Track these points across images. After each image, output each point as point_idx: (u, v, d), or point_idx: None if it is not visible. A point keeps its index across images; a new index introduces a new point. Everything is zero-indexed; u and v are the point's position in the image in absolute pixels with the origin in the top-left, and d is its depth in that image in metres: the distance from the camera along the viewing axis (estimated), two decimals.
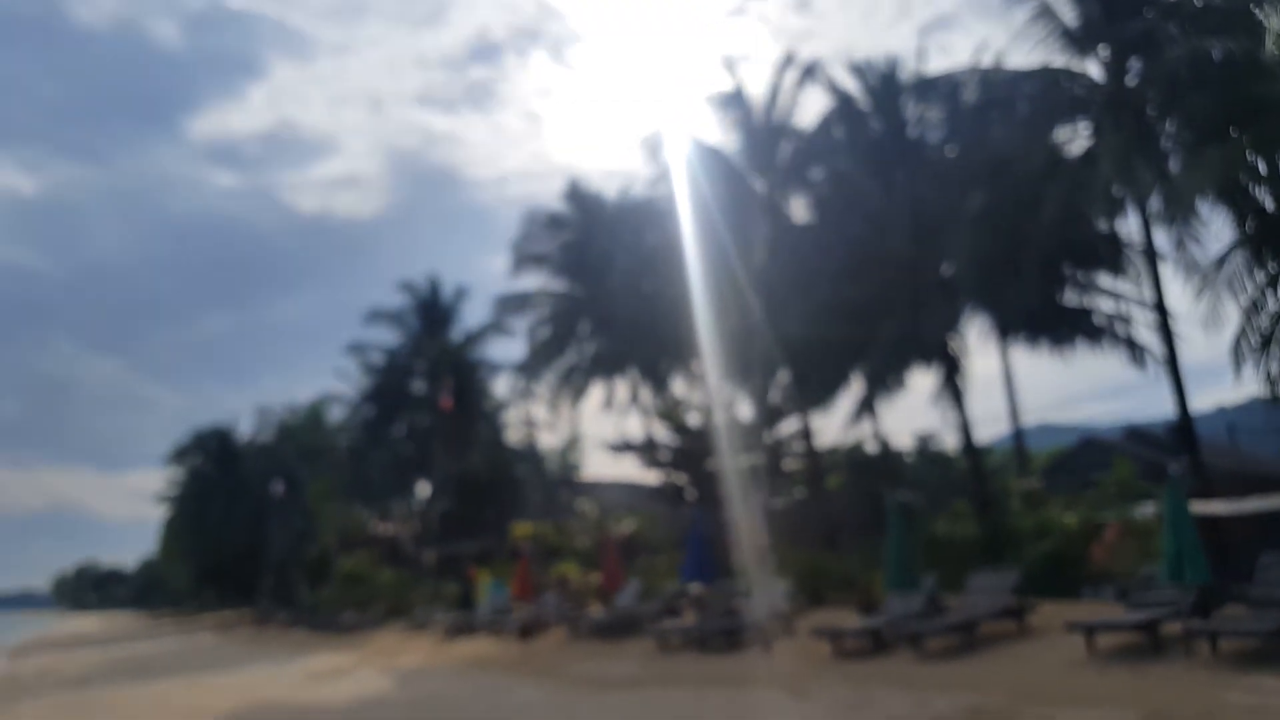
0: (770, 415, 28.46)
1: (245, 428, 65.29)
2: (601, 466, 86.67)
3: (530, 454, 41.15)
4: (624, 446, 32.73)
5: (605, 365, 35.71)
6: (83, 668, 30.44)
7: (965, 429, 22.23)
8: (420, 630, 28.72)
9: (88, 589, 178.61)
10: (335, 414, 54.11)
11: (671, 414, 31.13)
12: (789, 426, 29.27)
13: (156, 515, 75.78)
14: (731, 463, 26.94)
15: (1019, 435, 32.54)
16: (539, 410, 37.94)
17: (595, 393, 36.61)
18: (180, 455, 64.09)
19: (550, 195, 73.66)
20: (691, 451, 28.21)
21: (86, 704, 19.32)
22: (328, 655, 26.38)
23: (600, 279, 33.75)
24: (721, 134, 29.17)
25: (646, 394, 34.24)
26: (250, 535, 55.79)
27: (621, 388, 35.95)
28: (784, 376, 26.68)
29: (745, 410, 29.36)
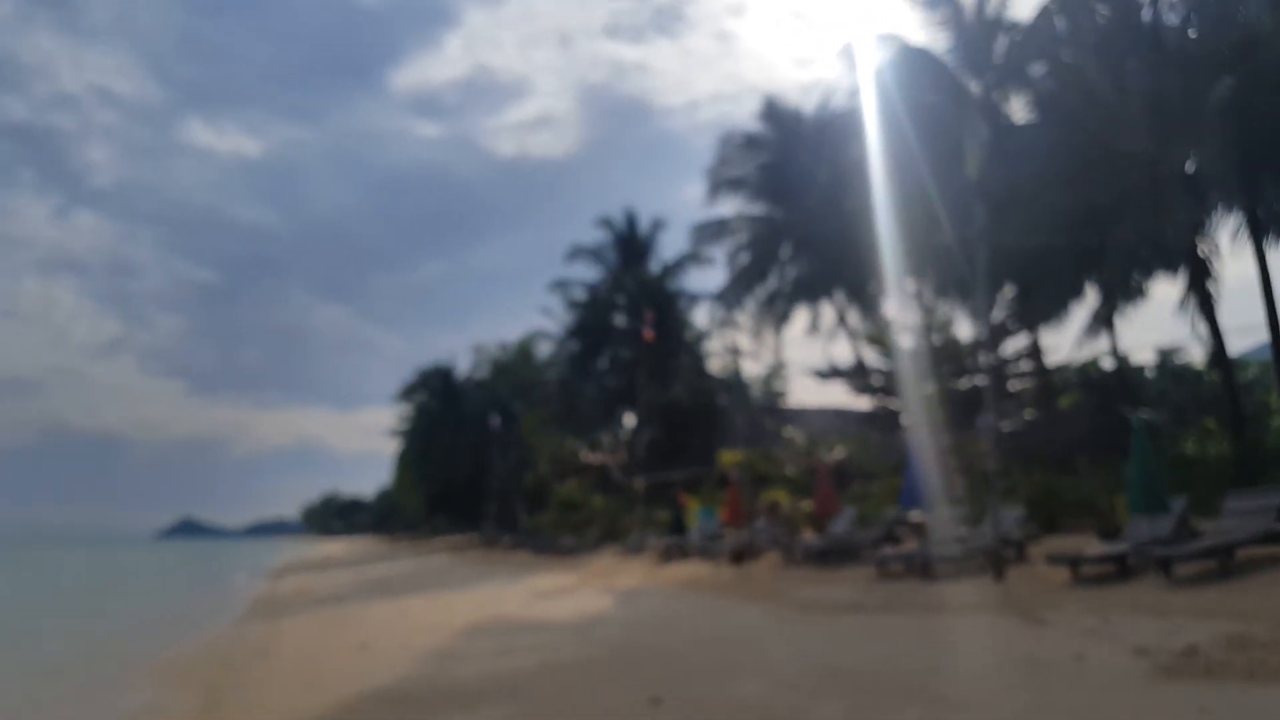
0: (994, 334, 27.10)
1: (463, 366, 69.66)
2: (807, 393, 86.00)
3: (733, 382, 41.37)
4: (831, 372, 32.33)
5: (809, 289, 35.18)
6: (334, 586, 33.92)
7: (1217, 340, 20.36)
8: (634, 554, 29.94)
9: (332, 516, 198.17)
10: (543, 350, 56.67)
11: (883, 337, 30.32)
12: (1015, 345, 27.84)
13: (389, 448, 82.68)
14: (951, 385, 26.00)
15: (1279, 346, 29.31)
16: (741, 338, 38.00)
17: (799, 318, 36.21)
18: (408, 393, 69.41)
19: (744, 116, 72.45)
20: (906, 375, 27.40)
21: (341, 618, 21.56)
22: (550, 576, 28.07)
23: (801, 199, 33.08)
24: (929, 34, 27.53)
25: (854, 317, 33.50)
26: (473, 465, 59.80)
27: (827, 312, 35.35)
28: (1008, 291, 25.30)
29: (964, 330, 28.16)
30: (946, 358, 26.83)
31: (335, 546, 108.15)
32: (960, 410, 25.32)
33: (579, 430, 52.84)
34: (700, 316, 48.32)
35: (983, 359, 26.57)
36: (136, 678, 14.79)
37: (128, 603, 35.92)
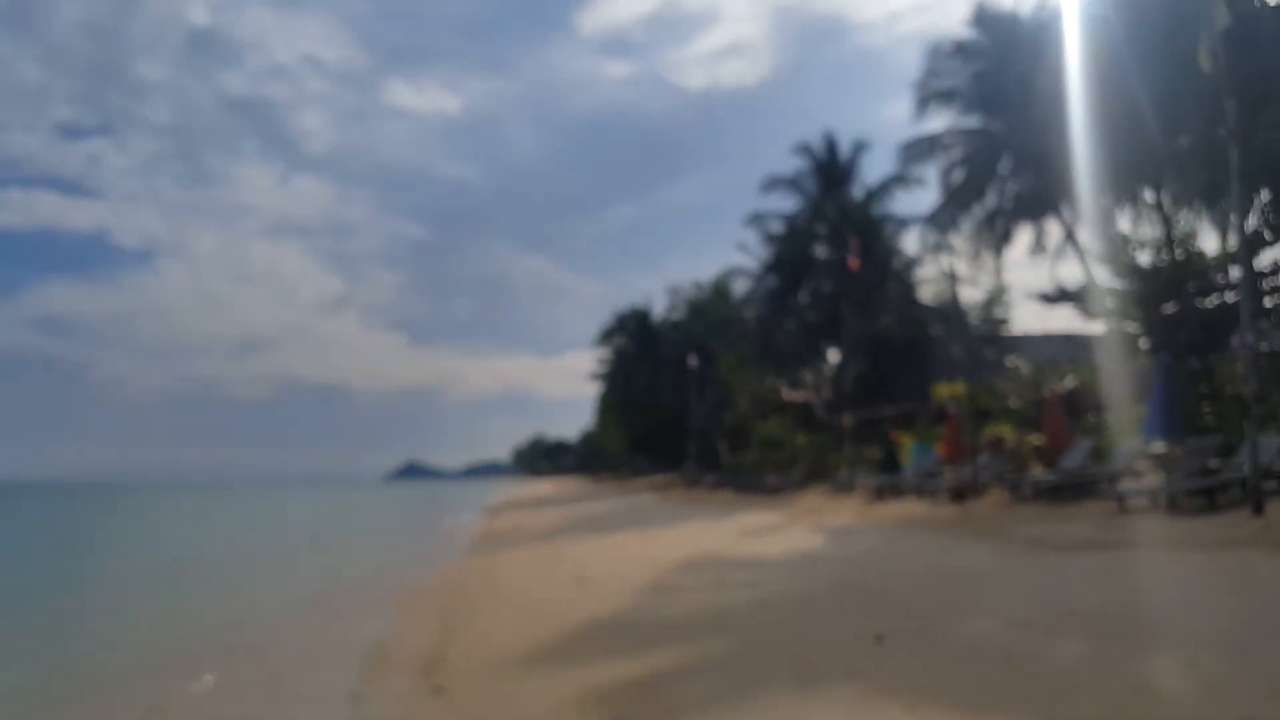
0: (1248, 244, 24.39)
1: (659, 308, 70.57)
2: (1032, 319, 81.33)
3: (949, 311, 39.57)
4: (1059, 295, 30.21)
5: (1032, 206, 32.97)
6: (547, 523, 35.60)
7: None
8: (843, 493, 29.52)
9: (540, 458, 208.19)
10: (739, 287, 56.25)
11: (1117, 254, 27.97)
12: (1272, 255, 24.95)
13: (590, 392, 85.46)
14: (1197, 304, 23.72)
15: None
16: (957, 263, 36.14)
17: (1021, 238, 34.04)
18: (606, 337, 71.24)
19: (952, 24, 68.16)
20: (1145, 295, 25.21)
21: (556, 553, 22.57)
22: (757, 514, 28.18)
23: (1021, 109, 30.81)
24: None
25: (1084, 234, 31.11)
26: (673, 405, 60.77)
27: (1053, 229, 33.04)
28: (1264, 196, 22.68)
29: (1209, 242, 25.53)
30: (1191, 274, 24.41)
31: (544, 486, 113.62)
32: (1207, 331, 23.06)
33: (779, 367, 52.40)
34: (909, 242, 46.25)
35: (1235, 273, 24.03)
36: (377, 607, 16.08)
37: (365, 538, 39.23)
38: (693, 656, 9.23)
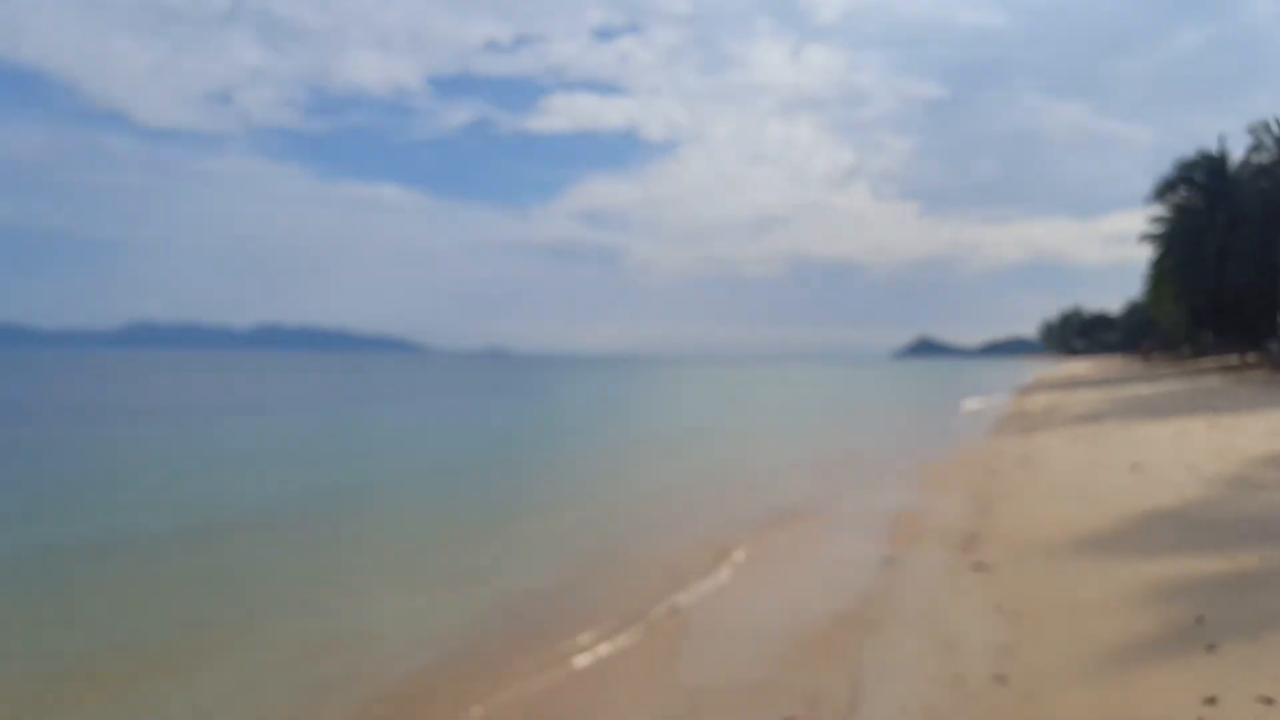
0: None
1: (1236, 152, 60.50)
2: None
3: None
4: None
5: None
6: (1086, 405, 33.31)
7: None
8: None
9: (1072, 335, 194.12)
10: None
11: None
12: None
13: (1138, 257, 77.00)
14: None
15: None
16: None
17: None
18: (1163, 191, 62.96)
19: None
20: None
21: (1100, 436, 21.07)
22: None
23: None
24: None
25: None
26: (1253, 271, 52.41)
27: None
28: None
29: None
30: None
31: (1079, 365, 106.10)
32: None
33: None
34: None
35: None
36: (900, 481, 16.47)
37: (880, 414, 40.27)
38: None
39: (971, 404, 41.66)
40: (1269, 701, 5.05)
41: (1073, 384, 56.02)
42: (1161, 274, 67.02)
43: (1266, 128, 57.06)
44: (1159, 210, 64.74)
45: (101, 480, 16.70)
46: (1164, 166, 63.87)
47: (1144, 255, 71.16)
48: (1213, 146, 62.44)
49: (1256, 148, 58.32)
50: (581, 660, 6.85)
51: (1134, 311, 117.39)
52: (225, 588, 9.04)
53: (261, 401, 42.18)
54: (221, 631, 7.57)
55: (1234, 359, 55.52)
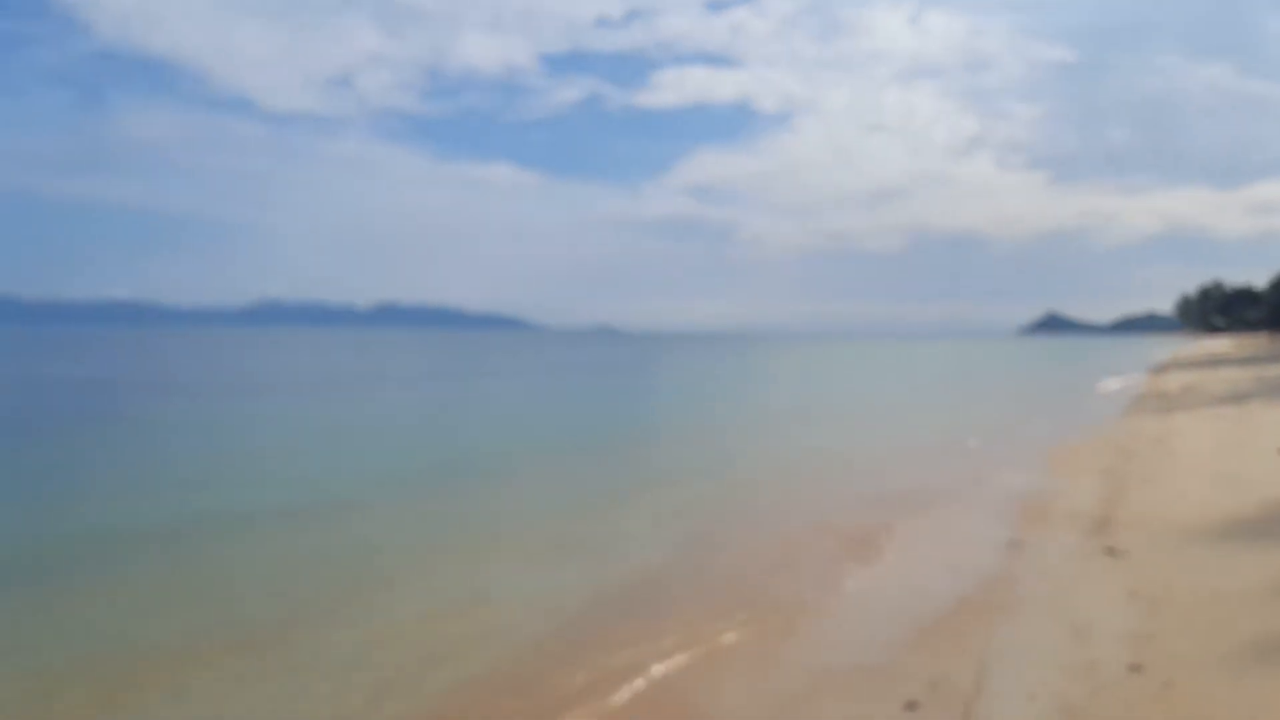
0: None
1: None
2: None
3: None
4: None
5: None
6: (1228, 385, 31.70)
7: None
8: None
9: (1212, 311, 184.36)
10: None
11: None
12: None
13: None
14: None
15: None
16: None
17: None
18: None
19: None
20: None
21: (1244, 418, 20.05)
22: None
23: None
24: None
25: None
26: None
27: None
28: None
29: None
30: None
31: (1219, 343, 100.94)
32: None
33: None
34: None
35: None
36: (1026, 461, 15.99)
37: (1004, 392, 39.13)
38: None
39: (1103, 383, 40.10)
40: None
41: (1213, 362, 53.37)
42: None
43: None
44: None
45: (241, 455, 17.55)
46: None
47: None
48: None
49: None
50: (695, 636, 6.89)
51: None
52: (351, 557, 9.40)
53: (385, 378, 43.62)
54: (348, 598, 7.89)
55: None
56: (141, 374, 43.96)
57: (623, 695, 5.83)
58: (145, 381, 38.28)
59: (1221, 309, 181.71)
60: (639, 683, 6.01)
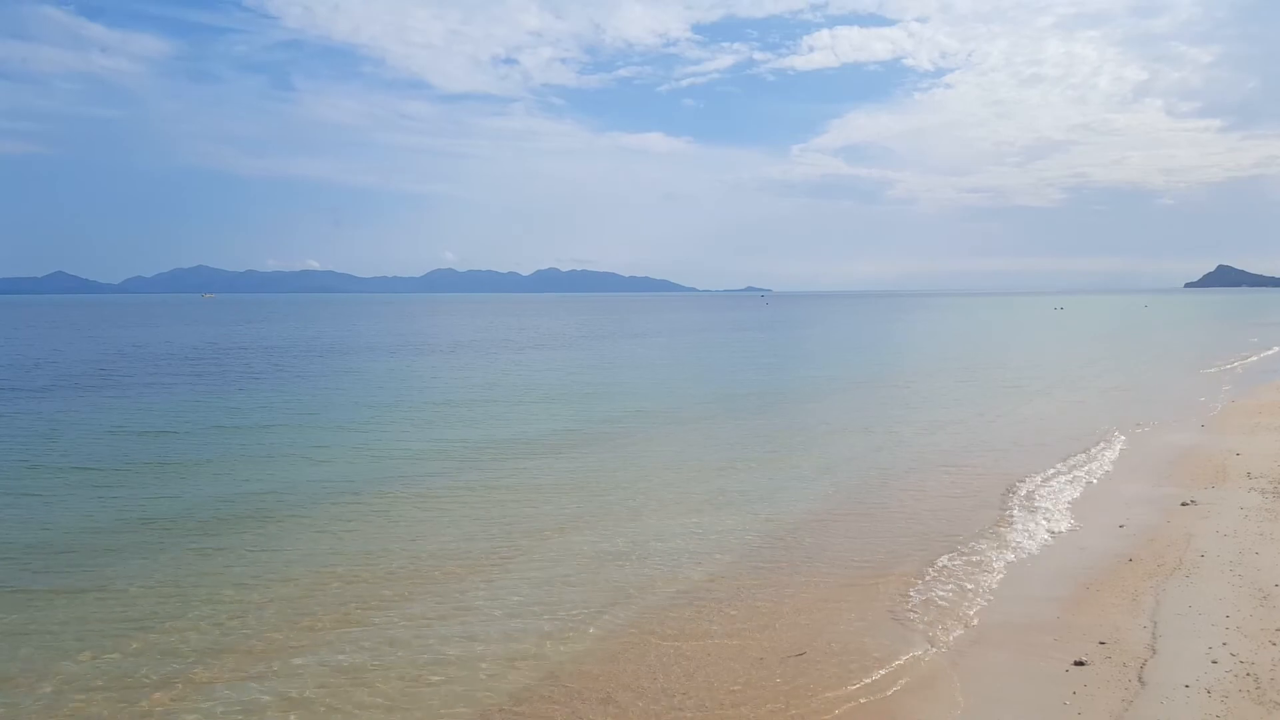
0: None
1: None
2: None
3: None
4: None
5: None
6: None
7: None
8: None
9: None
10: None
11: None
12: None
13: None
14: None
15: None
16: None
17: None
18: None
19: None
20: None
21: None
22: None
23: None
24: None
25: None
26: None
27: None
28: None
29: None
30: None
31: None
32: None
33: None
34: None
35: None
36: (1204, 419, 14.95)
37: (1164, 349, 36.63)
38: None
39: (1277, 340, 36.97)
40: None
41: None
42: None
43: None
44: None
45: (439, 405, 18.15)
46: None
47: None
48: None
49: None
50: (856, 586, 6.74)
51: None
52: (529, 504, 9.59)
53: (556, 338, 44.53)
54: (519, 546, 8.04)
55: None
56: (381, 335, 46.36)
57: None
58: (387, 342, 40.18)
59: None
60: (795, 623, 5.92)
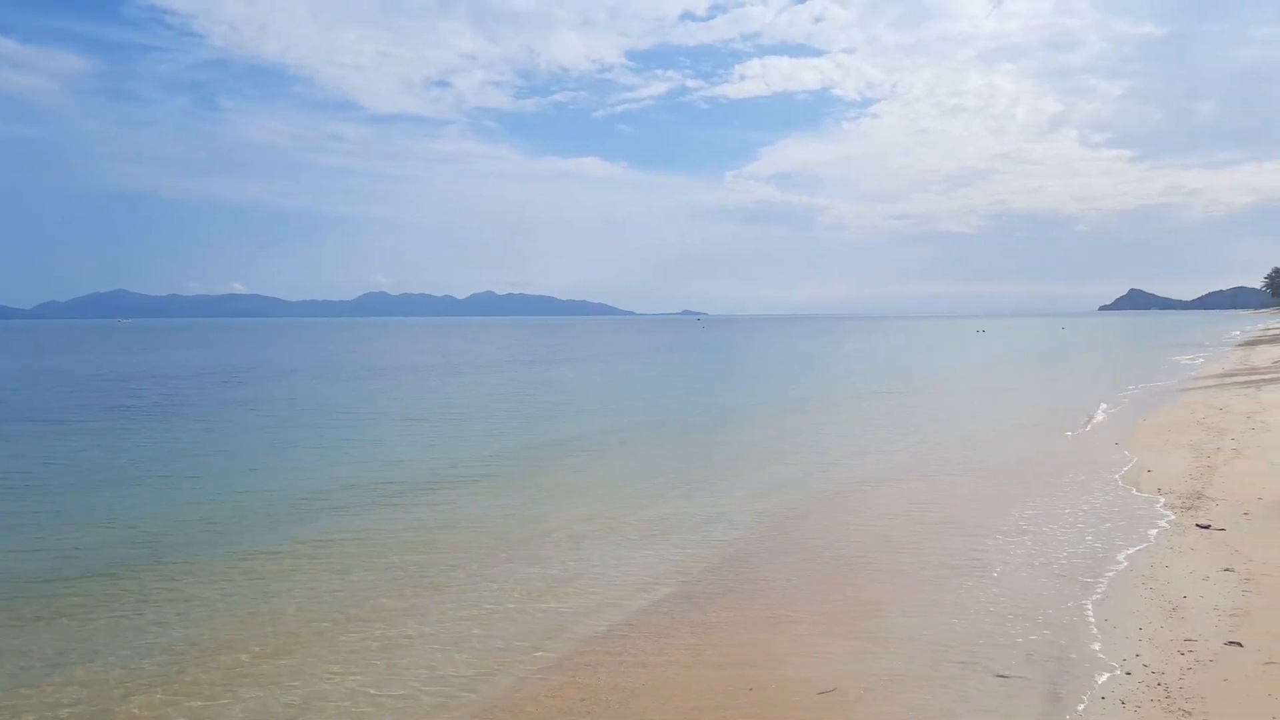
0: None
1: None
2: None
3: None
4: None
5: None
6: None
7: None
8: None
9: None
10: None
11: None
12: None
13: None
14: None
15: None
16: None
17: None
18: None
19: None
20: None
21: None
22: None
23: None
24: None
25: None
26: None
27: None
28: None
29: None
30: None
31: None
32: None
33: None
34: None
35: None
36: (1115, 438, 15.39)
37: (1082, 368, 37.72)
38: None
39: (1186, 358, 38.40)
40: None
41: None
42: None
43: None
44: None
45: (361, 439, 17.81)
46: None
47: None
48: None
49: None
50: (779, 604, 6.78)
51: None
52: (453, 540, 9.43)
53: (485, 362, 44.18)
54: (451, 578, 7.88)
55: None
56: (298, 360, 45.24)
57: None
58: (304, 367, 39.33)
59: None
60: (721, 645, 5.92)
